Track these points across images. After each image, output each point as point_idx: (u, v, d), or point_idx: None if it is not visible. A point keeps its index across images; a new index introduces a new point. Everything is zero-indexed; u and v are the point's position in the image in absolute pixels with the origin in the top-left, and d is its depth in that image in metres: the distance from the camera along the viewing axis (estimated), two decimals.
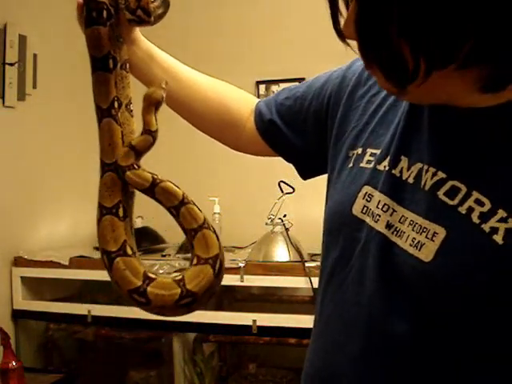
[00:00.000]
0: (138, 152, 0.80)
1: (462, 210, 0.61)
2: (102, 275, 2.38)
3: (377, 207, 0.70)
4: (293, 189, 2.11)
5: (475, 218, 0.60)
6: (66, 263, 2.36)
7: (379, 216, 0.69)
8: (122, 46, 0.85)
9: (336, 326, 0.74)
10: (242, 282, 2.15)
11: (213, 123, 0.99)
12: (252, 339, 2.22)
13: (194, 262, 0.77)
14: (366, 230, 0.71)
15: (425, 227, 0.63)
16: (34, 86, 2.58)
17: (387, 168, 0.71)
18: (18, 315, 2.44)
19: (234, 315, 2.22)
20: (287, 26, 2.91)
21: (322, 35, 2.91)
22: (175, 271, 2.22)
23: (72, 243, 2.77)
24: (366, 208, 0.72)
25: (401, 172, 0.69)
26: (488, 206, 0.60)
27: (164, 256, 2.42)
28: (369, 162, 0.75)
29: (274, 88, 2.90)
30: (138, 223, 2.69)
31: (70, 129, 2.76)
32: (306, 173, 0.97)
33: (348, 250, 0.73)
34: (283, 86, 3.08)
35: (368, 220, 0.71)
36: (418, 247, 0.63)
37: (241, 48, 2.97)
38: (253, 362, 2.46)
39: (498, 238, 0.58)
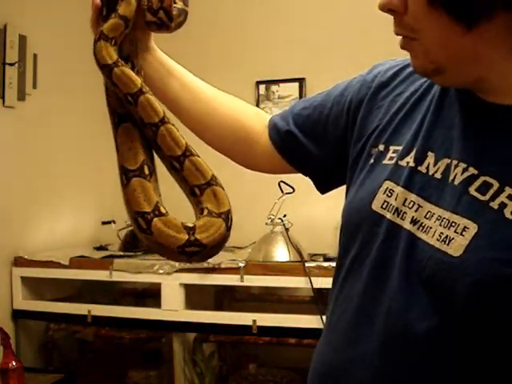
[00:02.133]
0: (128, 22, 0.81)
1: (494, 205, 0.61)
2: (102, 275, 2.38)
3: (403, 204, 0.69)
4: (293, 189, 2.11)
5: (508, 214, 0.60)
6: (66, 263, 2.36)
7: (405, 213, 0.69)
8: (137, 51, 0.84)
9: (350, 321, 0.73)
10: (242, 282, 2.15)
11: (227, 139, 0.96)
12: (252, 339, 2.22)
13: (205, 213, 0.74)
14: (386, 225, 0.71)
15: (453, 222, 0.63)
16: (34, 86, 2.58)
17: (411, 164, 0.70)
18: (18, 315, 2.44)
19: (233, 315, 2.22)
20: (287, 26, 2.91)
21: (322, 35, 2.93)
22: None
23: (72, 243, 2.77)
24: (386, 203, 0.71)
25: (427, 168, 0.69)
26: None
27: None
28: (391, 158, 0.74)
29: (274, 88, 2.91)
30: None
31: (69, 129, 2.76)
32: (323, 185, 0.94)
33: (367, 246, 0.73)
34: (283, 86, 3.11)
35: (389, 216, 0.70)
36: (447, 242, 0.62)
37: (241, 48, 2.97)
38: (253, 362, 2.46)
39: None
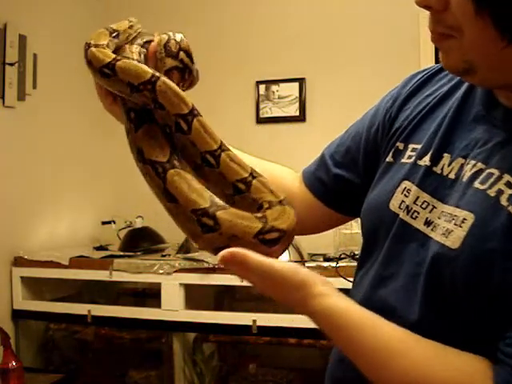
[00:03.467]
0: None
1: (491, 192, 0.61)
2: (102, 275, 2.38)
3: (414, 203, 0.69)
4: None
5: (503, 201, 0.59)
6: (66, 263, 2.36)
7: (417, 213, 0.68)
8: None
9: None
10: (242, 281, 2.14)
11: None
12: (252, 339, 2.22)
13: (266, 206, 0.68)
14: (399, 224, 0.70)
15: (455, 215, 0.63)
16: (34, 86, 2.58)
17: (428, 164, 0.70)
18: (18, 315, 2.44)
19: (233, 315, 2.22)
20: (287, 26, 2.91)
21: (322, 35, 2.93)
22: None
23: (72, 243, 2.77)
24: (402, 203, 0.71)
25: (442, 169, 0.69)
26: None
27: (164, 256, 2.42)
28: (410, 157, 0.74)
29: (274, 88, 2.91)
30: (138, 223, 2.69)
31: (69, 129, 2.76)
32: None
33: (384, 245, 0.73)
34: (283, 86, 3.10)
35: (402, 215, 0.70)
36: (446, 235, 0.62)
37: (241, 48, 2.97)
38: (253, 362, 2.46)
39: None
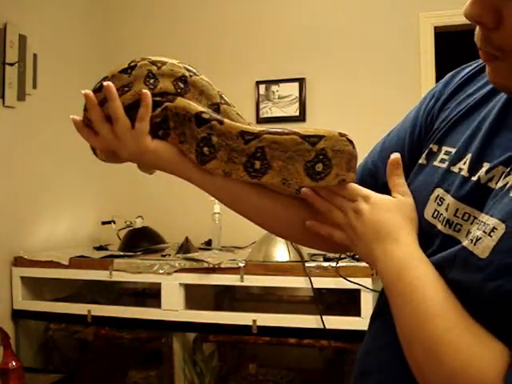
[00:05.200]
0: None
1: None
2: (102, 275, 2.38)
3: (454, 215, 0.66)
4: None
5: None
6: (66, 263, 2.36)
7: (459, 225, 0.65)
8: None
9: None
10: (242, 282, 2.15)
11: (296, 225, 0.83)
12: (252, 339, 2.22)
13: None
14: (438, 236, 0.67)
15: (485, 222, 0.60)
16: (34, 86, 2.58)
17: (464, 173, 0.67)
18: (18, 315, 2.44)
19: (233, 315, 2.22)
20: (287, 26, 2.91)
21: (322, 35, 2.93)
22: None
23: (72, 243, 2.78)
24: (436, 212, 0.68)
25: (479, 177, 0.65)
26: None
27: (164, 256, 2.42)
28: (442, 160, 0.71)
29: (274, 88, 2.91)
30: (138, 223, 2.70)
31: (69, 129, 2.75)
32: None
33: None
34: (283, 86, 3.10)
35: (439, 226, 0.67)
36: (474, 241, 0.59)
37: (241, 48, 2.97)
38: (253, 362, 2.46)
39: None
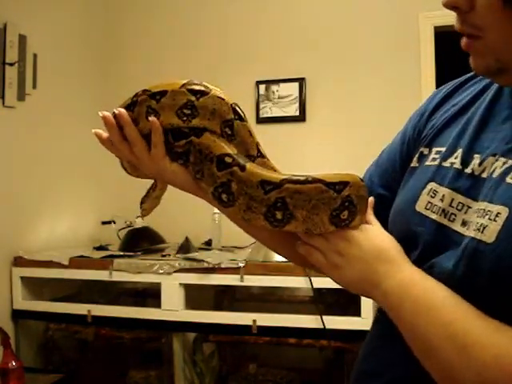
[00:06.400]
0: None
1: None
2: (102, 275, 2.38)
3: (450, 205, 0.70)
4: None
5: None
6: (66, 263, 2.36)
7: (454, 214, 0.69)
8: None
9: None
10: (242, 282, 2.15)
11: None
12: (252, 339, 2.22)
13: None
14: (431, 225, 0.70)
15: (489, 210, 0.63)
16: (34, 86, 2.58)
17: (457, 166, 0.71)
18: (18, 315, 2.44)
19: (233, 315, 2.22)
20: (287, 27, 2.91)
21: (322, 35, 2.92)
22: None
23: (72, 243, 2.78)
24: (430, 204, 0.72)
25: (472, 169, 0.69)
26: None
27: (164, 256, 2.42)
28: (434, 159, 0.75)
29: (274, 88, 2.91)
30: (138, 223, 2.69)
31: (69, 129, 2.76)
32: None
33: (412, 247, 0.72)
34: (283, 86, 3.10)
35: (434, 216, 0.71)
36: (481, 230, 0.63)
37: (241, 48, 2.97)
38: (253, 362, 2.46)
39: None
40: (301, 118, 2.87)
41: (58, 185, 2.75)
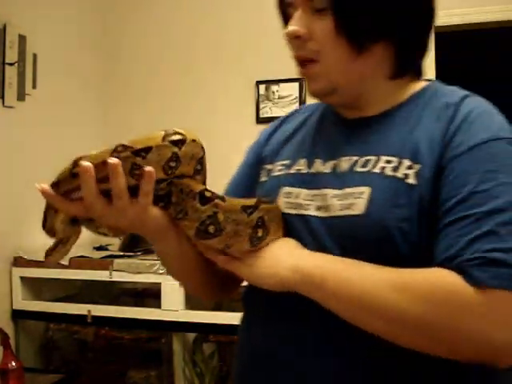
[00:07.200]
0: None
1: (376, 169, 0.76)
2: (102, 275, 2.37)
3: (304, 200, 0.82)
4: None
5: (389, 172, 0.75)
6: (66, 263, 2.36)
7: (308, 205, 0.80)
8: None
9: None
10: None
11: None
12: None
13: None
14: (295, 219, 0.81)
15: (349, 193, 0.77)
16: (34, 86, 2.58)
17: (304, 170, 0.85)
18: (17, 315, 2.44)
19: (234, 315, 2.22)
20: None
21: None
22: None
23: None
24: (288, 204, 0.83)
25: (317, 169, 0.83)
26: (395, 162, 0.76)
27: None
28: (280, 170, 0.88)
29: (274, 88, 2.91)
30: None
31: (69, 129, 2.76)
32: None
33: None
34: (283, 86, 3.10)
35: (294, 212, 0.82)
36: (350, 207, 0.76)
37: (241, 48, 2.97)
38: None
39: (411, 180, 0.73)
40: None
41: None
